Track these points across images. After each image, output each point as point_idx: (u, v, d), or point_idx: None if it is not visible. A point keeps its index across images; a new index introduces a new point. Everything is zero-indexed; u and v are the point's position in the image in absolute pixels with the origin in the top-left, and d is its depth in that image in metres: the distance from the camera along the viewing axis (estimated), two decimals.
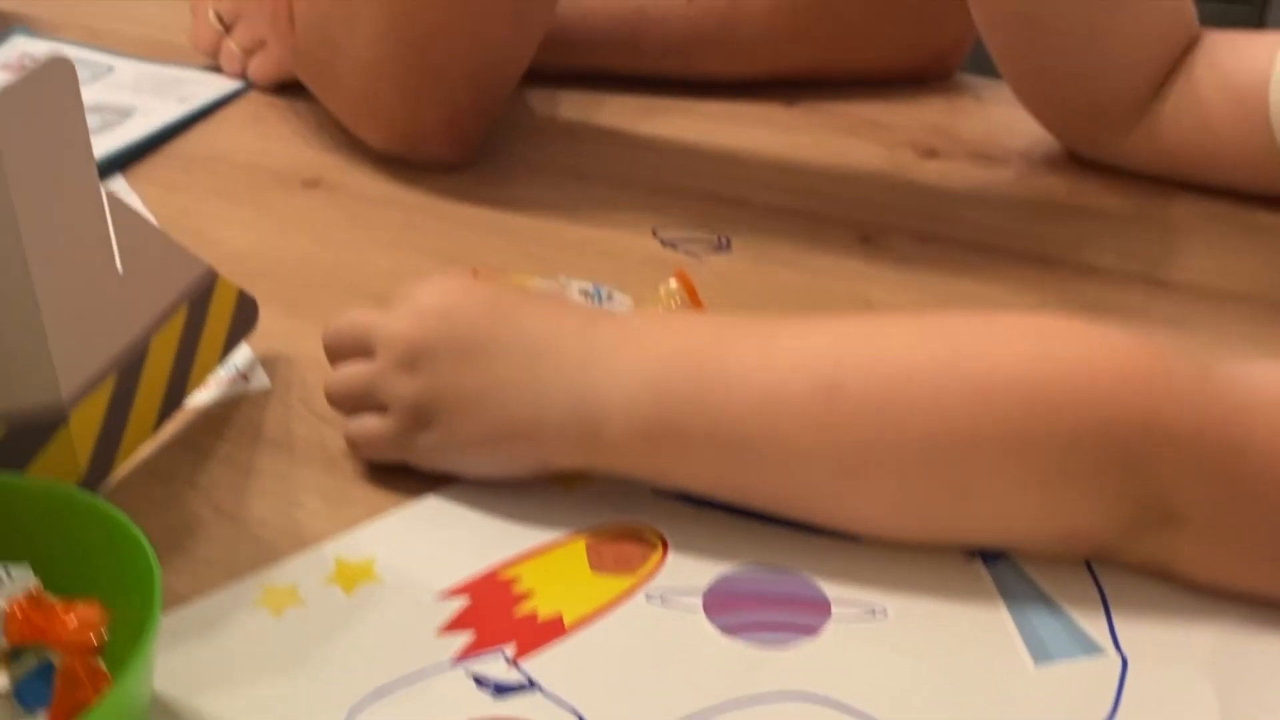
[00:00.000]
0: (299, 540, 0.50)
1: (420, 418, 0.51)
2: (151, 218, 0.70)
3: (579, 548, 0.49)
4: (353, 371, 0.52)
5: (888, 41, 0.85)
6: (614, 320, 0.51)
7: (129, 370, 0.51)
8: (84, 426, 0.50)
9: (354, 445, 0.53)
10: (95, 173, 0.47)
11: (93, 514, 0.43)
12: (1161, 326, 0.62)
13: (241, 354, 0.59)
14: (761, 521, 0.49)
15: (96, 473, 0.51)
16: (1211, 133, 0.71)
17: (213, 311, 0.56)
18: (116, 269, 0.49)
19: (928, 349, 0.47)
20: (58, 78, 0.45)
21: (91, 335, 0.49)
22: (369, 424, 0.52)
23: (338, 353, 0.54)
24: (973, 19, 0.85)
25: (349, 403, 0.53)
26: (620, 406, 0.48)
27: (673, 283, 0.63)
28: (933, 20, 0.85)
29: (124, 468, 0.53)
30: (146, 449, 0.54)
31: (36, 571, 0.42)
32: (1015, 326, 0.47)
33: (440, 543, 0.50)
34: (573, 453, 0.50)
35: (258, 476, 0.53)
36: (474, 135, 0.75)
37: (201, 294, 0.55)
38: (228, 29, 0.85)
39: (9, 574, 0.41)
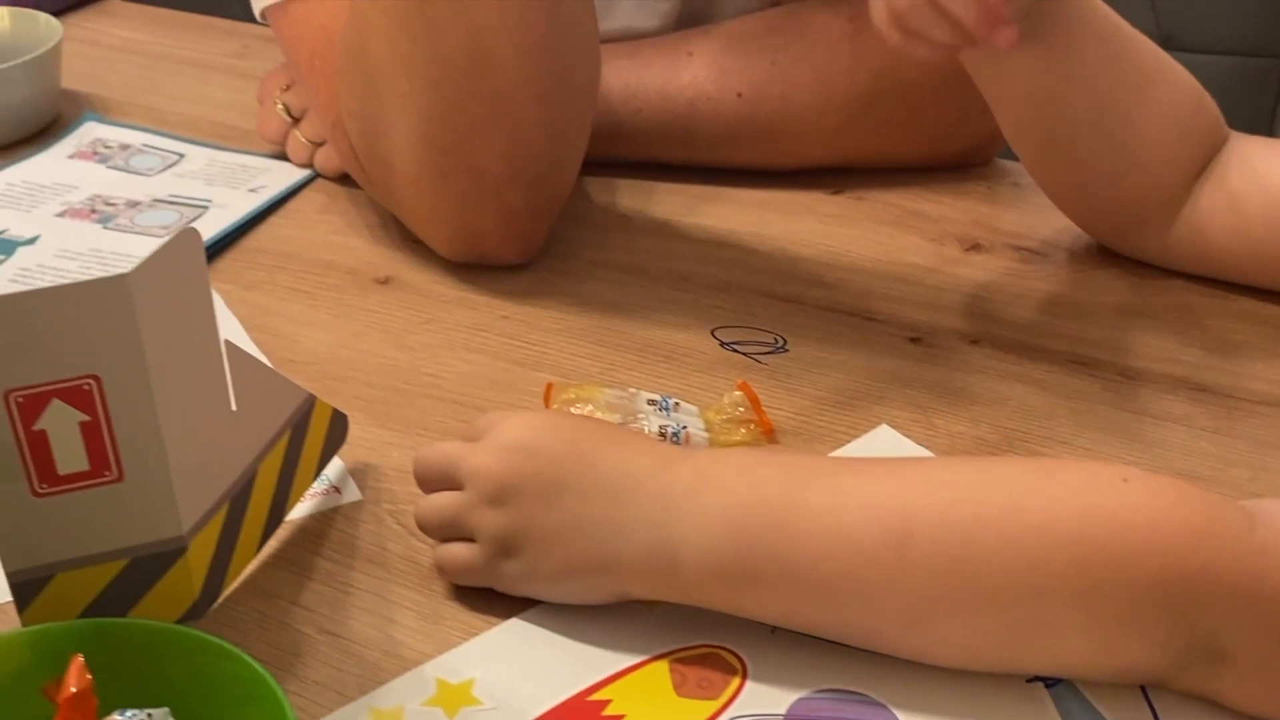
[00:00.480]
0: (399, 660, 0.54)
1: (505, 549, 0.54)
2: (234, 319, 0.74)
3: (663, 670, 0.53)
4: (442, 501, 0.56)
5: (929, 134, 0.88)
6: (690, 459, 0.54)
7: (239, 498, 0.55)
8: (199, 554, 0.54)
9: (443, 571, 0.56)
10: (216, 326, 0.51)
11: (225, 657, 0.46)
12: (1205, 437, 0.65)
13: (333, 466, 0.63)
14: (832, 644, 0.53)
15: (208, 596, 0.55)
16: (1246, 235, 0.74)
17: (310, 432, 0.59)
18: (232, 408, 0.53)
19: (991, 502, 0.50)
20: (187, 247, 0.48)
21: (209, 472, 0.53)
22: (458, 551, 0.55)
23: (427, 483, 0.57)
24: None
25: (439, 531, 0.56)
26: (697, 546, 0.51)
27: (737, 393, 0.67)
28: (972, 113, 0.87)
29: (230, 586, 0.57)
30: (250, 566, 0.58)
31: (175, 714, 0.45)
32: (1072, 479, 0.50)
33: (533, 664, 0.53)
34: (651, 586, 0.53)
35: (356, 594, 0.57)
36: (534, 234, 0.79)
37: (302, 417, 0.58)
38: (295, 120, 0.89)
39: (150, 719, 0.45)
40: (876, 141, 0.88)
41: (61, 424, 0.48)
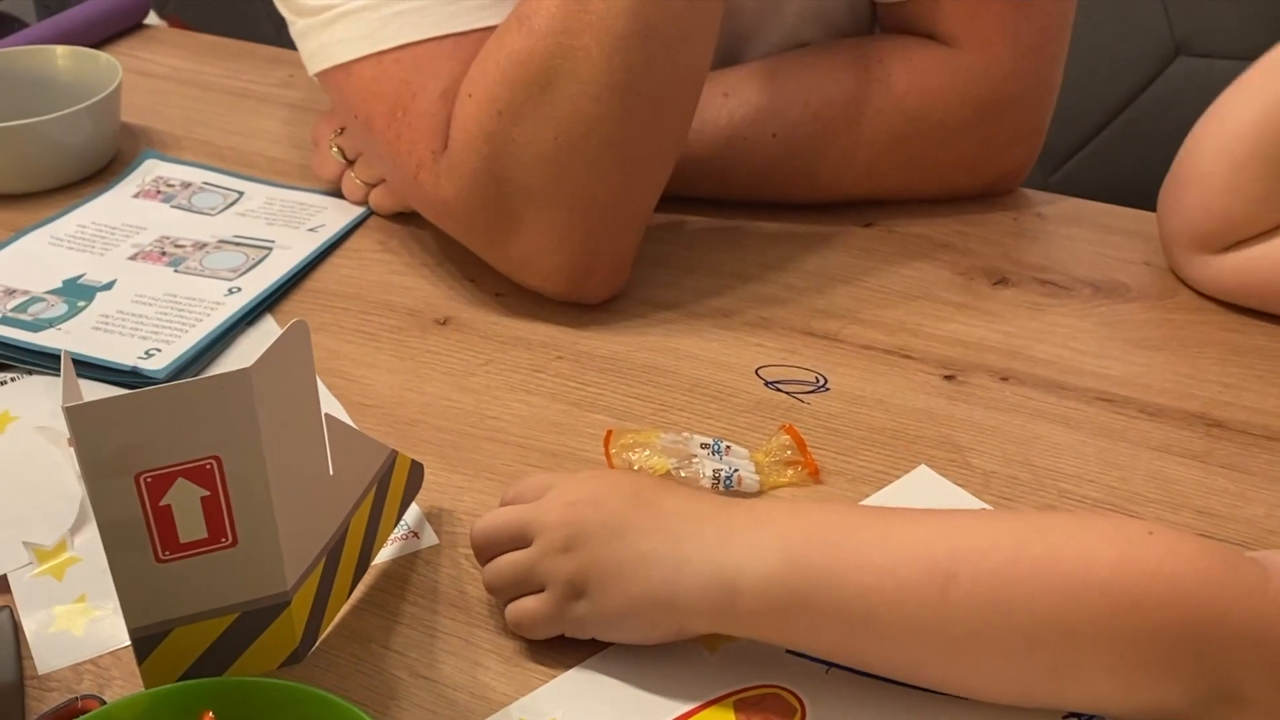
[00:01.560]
0: (486, 702, 0.58)
1: (574, 590, 0.58)
2: None
3: (728, 710, 0.58)
4: (511, 559, 0.60)
5: (957, 168, 0.92)
6: (745, 504, 0.59)
7: (334, 551, 0.60)
8: (300, 606, 0.58)
9: (517, 626, 0.60)
10: (319, 404, 0.55)
11: (339, 713, 0.51)
12: (1222, 474, 0.70)
13: (411, 512, 0.68)
14: (883, 682, 0.58)
15: (307, 642, 0.60)
16: None
17: (393, 483, 0.64)
18: (330, 474, 0.57)
19: (1030, 549, 0.54)
20: (297, 338, 0.53)
21: (311, 532, 0.57)
22: (529, 604, 0.60)
23: (490, 547, 0.61)
24: (1035, 145, 0.93)
25: (511, 589, 0.60)
26: (754, 579, 0.56)
27: (784, 436, 0.71)
28: (998, 147, 0.92)
29: (325, 631, 0.61)
30: (342, 611, 0.63)
31: None
32: (1105, 530, 0.55)
33: (608, 706, 0.58)
34: (709, 619, 0.57)
35: (442, 637, 0.62)
36: (625, 274, 0.84)
37: (386, 472, 0.63)
38: (350, 163, 0.93)
39: None
40: (907, 176, 0.92)
41: (185, 499, 0.52)
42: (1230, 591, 0.52)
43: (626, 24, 0.74)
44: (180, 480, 0.52)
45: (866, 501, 0.68)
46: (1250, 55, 1.34)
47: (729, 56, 0.94)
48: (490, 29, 0.78)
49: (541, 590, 0.60)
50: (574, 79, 0.75)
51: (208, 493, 0.53)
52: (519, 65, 0.75)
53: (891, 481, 0.70)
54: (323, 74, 0.84)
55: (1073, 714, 0.56)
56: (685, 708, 0.58)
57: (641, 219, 0.82)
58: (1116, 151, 1.49)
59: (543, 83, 0.75)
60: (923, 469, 0.70)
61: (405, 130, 0.79)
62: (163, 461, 0.51)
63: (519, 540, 0.60)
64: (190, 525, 0.53)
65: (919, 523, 0.57)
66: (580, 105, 0.75)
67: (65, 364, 0.52)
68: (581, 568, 0.58)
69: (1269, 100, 0.77)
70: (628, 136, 0.77)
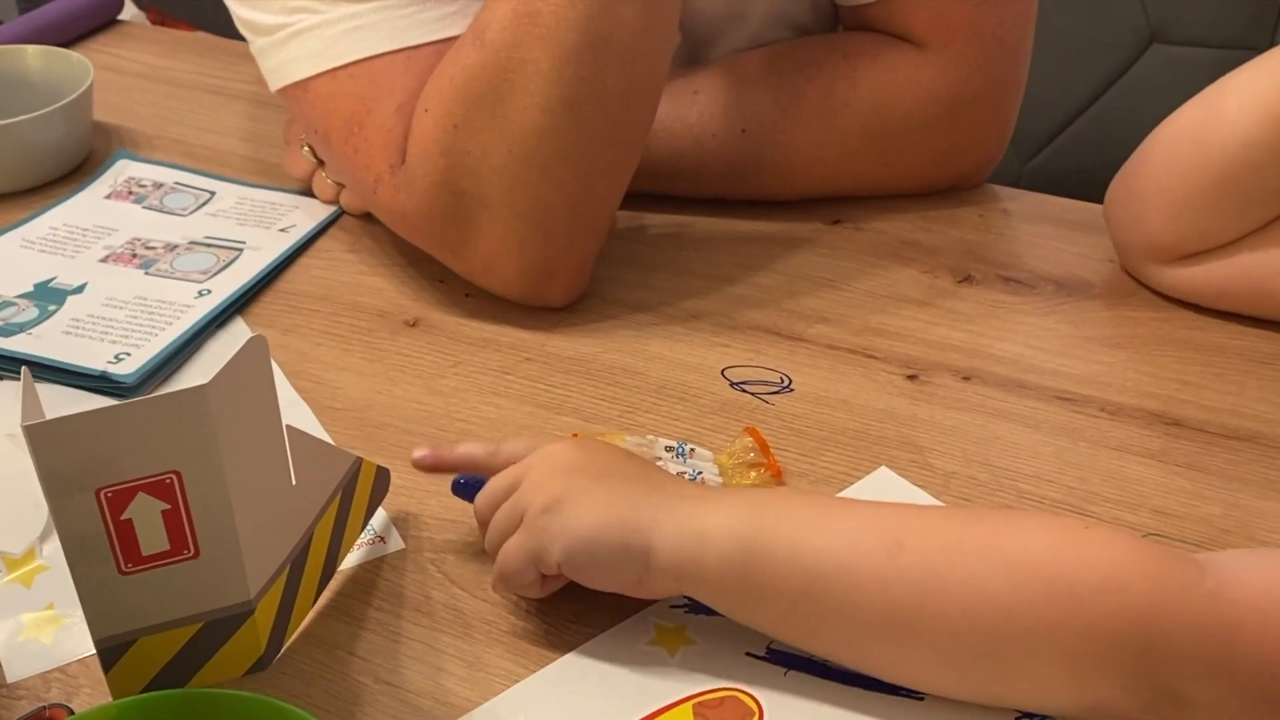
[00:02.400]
0: (450, 708, 0.59)
1: (550, 506, 0.59)
2: (277, 367, 0.79)
3: (687, 712, 0.58)
4: (500, 509, 0.62)
5: (925, 162, 0.93)
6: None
7: (299, 560, 0.60)
8: (265, 614, 0.59)
9: (499, 575, 0.62)
10: (279, 416, 0.56)
11: None
12: (1180, 473, 0.71)
13: (377, 517, 0.68)
14: (838, 684, 0.59)
15: (273, 649, 0.61)
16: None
17: (358, 489, 0.65)
18: (292, 484, 0.58)
19: (973, 529, 0.57)
20: (254, 353, 0.53)
21: (274, 541, 0.58)
22: (508, 543, 0.61)
23: (489, 507, 0.63)
24: (1001, 140, 0.94)
25: (504, 540, 0.61)
26: (723, 530, 0.58)
27: (747, 439, 0.72)
28: (965, 142, 0.93)
29: (291, 638, 0.62)
30: (308, 618, 0.63)
31: None
32: (1046, 521, 0.58)
33: (570, 709, 0.59)
34: (673, 573, 0.58)
35: (407, 643, 0.62)
36: (586, 277, 0.84)
37: (351, 479, 0.64)
38: (321, 163, 0.93)
39: None
40: (876, 172, 0.93)
41: (146, 513, 0.53)
42: (1165, 585, 0.53)
43: (576, 36, 0.74)
44: (141, 495, 0.53)
45: None
46: (1224, 44, 1.35)
47: (693, 59, 0.95)
48: (444, 41, 0.79)
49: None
50: (525, 92, 0.75)
51: (168, 506, 0.53)
52: (472, 80, 0.76)
53: (853, 483, 0.71)
54: (282, 90, 0.84)
55: (1023, 714, 0.57)
56: (646, 710, 0.59)
57: (602, 224, 0.83)
58: (1091, 139, 1.50)
59: (495, 96, 0.76)
60: (883, 470, 0.71)
61: (362, 145, 0.80)
62: (123, 477, 0.52)
63: (511, 492, 0.62)
64: (152, 538, 0.54)
65: (876, 505, 0.61)
66: (532, 118, 0.75)
67: (25, 381, 0.53)
68: (561, 491, 0.60)
69: (1226, 118, 0.77)
70: (582, 147, 0.77)
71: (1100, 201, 0.89)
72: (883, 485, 0.70)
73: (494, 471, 0.64)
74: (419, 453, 0.66)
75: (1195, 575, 0.54)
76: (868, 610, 0.56)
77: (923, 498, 0.69)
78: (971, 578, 0.55)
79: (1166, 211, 0.80)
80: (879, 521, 0.58)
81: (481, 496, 0.64)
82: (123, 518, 0.53)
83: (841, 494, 0.70)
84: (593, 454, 0.62)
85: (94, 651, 0.57)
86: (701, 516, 0.58)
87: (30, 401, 0.52)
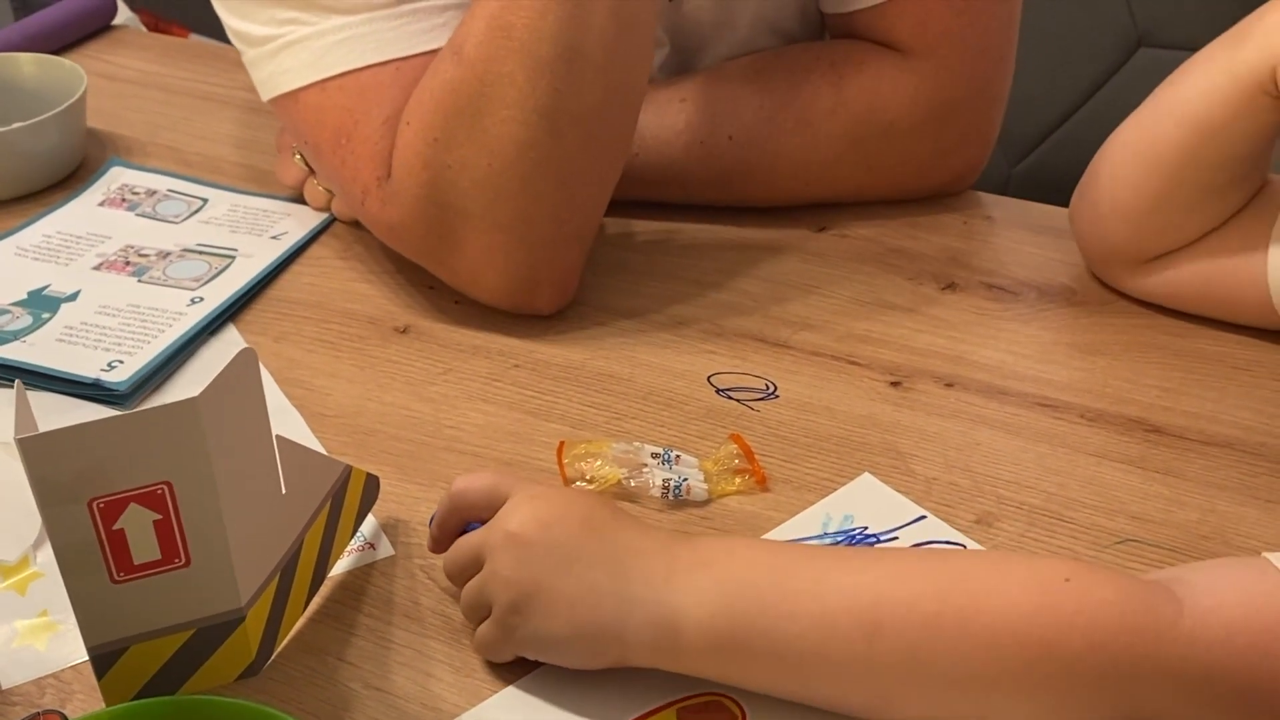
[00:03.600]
0: (438, 713, 0.60)
1: (517, 609, 0.59)
2: (269, 374, 0.80)
3: (671, 716, 0.60)
4: (469, 586, 0.62)
5: (910, 169, 0.94)
6: (690, 542, 0.60)
7: (289, 567, 0.61)
8: (255, 621, 0.60)
9: (481, 653, 0.62)
10: (269, 427, 0.57)
11: None
12: (1158, 479, 0.72)
13: (367, 523, 0.69)
14: None
15: (263, 655, 0.62)
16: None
17: (348, 497, 0.66)
18: (282, 492, 0.59)
19: (953, 599, 0.56)
20: (244, 366, 0.54)
21: (264, 549, 0.59)
22: (481, 628, 0.61)
23: (459, 576, 0.63)
24: (985, 147, 0.95)
25: (475, 616, 0.62)
26: (695, 619, 0.57)
27: (732, 445, 0.73)
28: (948, 150, 0.94)
29: (281, 644, 0.63)
30: (298, 624, 0.64)
31: None
32: (1024, 580, 0.56)
33: (558, 714, 0.60)
34: (651, 656, 0.59)
35: (395, 649, 0.63)
36: (574, 285, 0.85)
37: (340, 487, 0.65)
38: (312, 170, 0.94)
39: None
40: (860, 178, 0.94)
41: (138, 523, 0.54)
42: (1147, 634, 0.54)
43: (550, 49, 0.75)
44: (132, 505, 0.54)
45: (811, 509, 0.70)
46: None
47: (682, 66, 0.96)
48: (432, 54, 0.80)
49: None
50: (502, 104, 0.76)
51: (160, 516, 0.54)
52: (451, 93, 0.77)
53: (836, 489, 0.72)
54: (273, 101, 0.85)
55: None
56: (630, 715, 0.60)
57: (586, 233, 0.84)
58: (1079, 142, 1.51)
59: (473, 110, 0.77)
60: (866, 477, 0.72)
61: (349, 157, 0.81)
62: (115, 488, 0.53)
63: (478, 564, 0.62)
64: (143, 547, 0.55)
65: (849, 569, 0.58)
66: (510, 130, 0.76)
67: (19, 393, 0.54)
68: (524, 590, 0.59)
69: (1160, 129, 0.78)
70: (560, 157, 0.78)
71: None
72: (865, 492, 0.71)
73: (454, 512, 0.64)
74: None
75: (1172, 615, 0.54)
76: (850, 693, 0.57)
77: (905, 504, 0.70)
78: (953, 653, 0.55)
79: (1122, 219, 0.81)
80: (855, 597, 0.56)
81: (446, 560, 0.64)
82: (115, 527, 0.54)
83: (824, 502, 0.71)
84: (554, 532, 0.59)
85: (87, 658, 0.59)
86: (671, 605, 0.57)
87: (23, 413, 0.53)
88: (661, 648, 0.58)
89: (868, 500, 0.71)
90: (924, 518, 0.70)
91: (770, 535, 0.69)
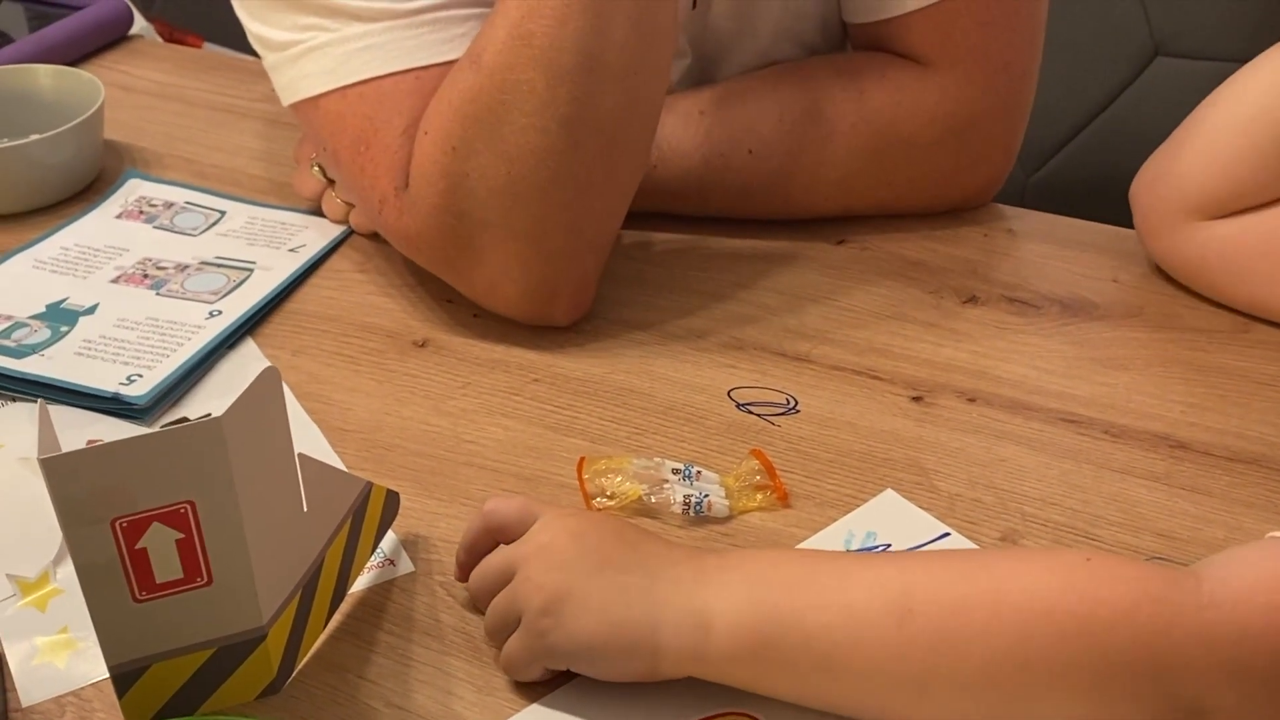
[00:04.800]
0: None
1: (548, 610, 0.59)
2: (288, 389, 0.79)
3: None
4: (497, 600, 0.62)
5: (929, 184, 0.94)
6: (717, 551, 0.61)
7: (310, 584, 0.61)
8: (277, 639, 0.60)
9: (503, 668, 0.62)
10: (292, 445, 0.57)
11: None
12: (1183, 496, 0.71)
13: (387, 539, 0.69)
14: None
15: (284, 673, 0.61)
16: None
17: (369, 513, 0.65)
18: (304, 510, 0.59)
19: (979, 582, 0.56)
20: (267, 385, 0.54)
21: (286, 567, 0.59)
22: (509, 643, 0.61)
23: (484, 595, 0.63)
24: (1006, 162, 0.94)
25: (501, 633, 0.62)
26: (725, 620, 0.57)
27: (753, 461, 0.73)
28: (969, 164, 0.93)
29: (302, 662, 0.63)
30: (318, 641, 0.64)
31: None
32: (1049, 563, 0.57)
33: None
34: (682, 660, 0.59)
35: (416, 666, 0.63)
36: (591, 296, 0.85)
37: (361, 504, 0.64)
38: (330, 182, 0.94)
39: None
40: (880, 192, 0.94)
41: (160, 542, 0.54)
42: (1172, 605, 0.54)
43: (570, 58, 0.75)
44: (155, 524, 0.53)
45: (834, 526, 0.70)
46: (1229, 56, 1.35)
47: (703, 76, 0.96)
48: (453, 63, 0.80)
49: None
50: (521, 113, 0.76)
51: (182, 535, 0.54)
52: (469, 102, 0.77)
53: (858, 506, 0.71)
54: (294, 106, 0.85)
55: None
56: None
57: (603, 243, 0.83)
58: (1096, 151, 1.50)
59: (492, 118, 0.76)
60: (889, 493, 0.72)
61: (369, 165, 0.81)
62: (137, 507, 0.53)
63: (506, 580, 0.61)
64: (166, 566, 0.55)
65: (873, 563, 0.59)
66: (529, 139, 0.76)
67: (41, 413, 0.53)
68: (556, 592, 0.59)
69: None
70: (579, 167, 0.78)
71: (1106, 214, 0.90)
72: (888, 508, 0.71)
73: (485, 533, 0.64)
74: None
75: (1193, 586, 0.55)
76: (882, 679, 0.57)
77: (928, 521, 0.70)
78: (983, 635, 0.55)
79: (1223, 157, 0.82)
80: (882, 586, 0.57)
81: (475, 576, 0.64)
82: (137, 547, 0.54)
83: (847, 518, 0.70)
84: (585, 541, 0.60)
85: (108, 676, 0.58)
86: (700, 604, 0.58)
87: (46, 433, 0.53)
88: (693, 649, 0.58)
89: (890, 517, 0.70)
90: (947, 534, 0.69)
91: None
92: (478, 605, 0.64)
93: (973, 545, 0.68)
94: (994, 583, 0.56)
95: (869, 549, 0.69)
